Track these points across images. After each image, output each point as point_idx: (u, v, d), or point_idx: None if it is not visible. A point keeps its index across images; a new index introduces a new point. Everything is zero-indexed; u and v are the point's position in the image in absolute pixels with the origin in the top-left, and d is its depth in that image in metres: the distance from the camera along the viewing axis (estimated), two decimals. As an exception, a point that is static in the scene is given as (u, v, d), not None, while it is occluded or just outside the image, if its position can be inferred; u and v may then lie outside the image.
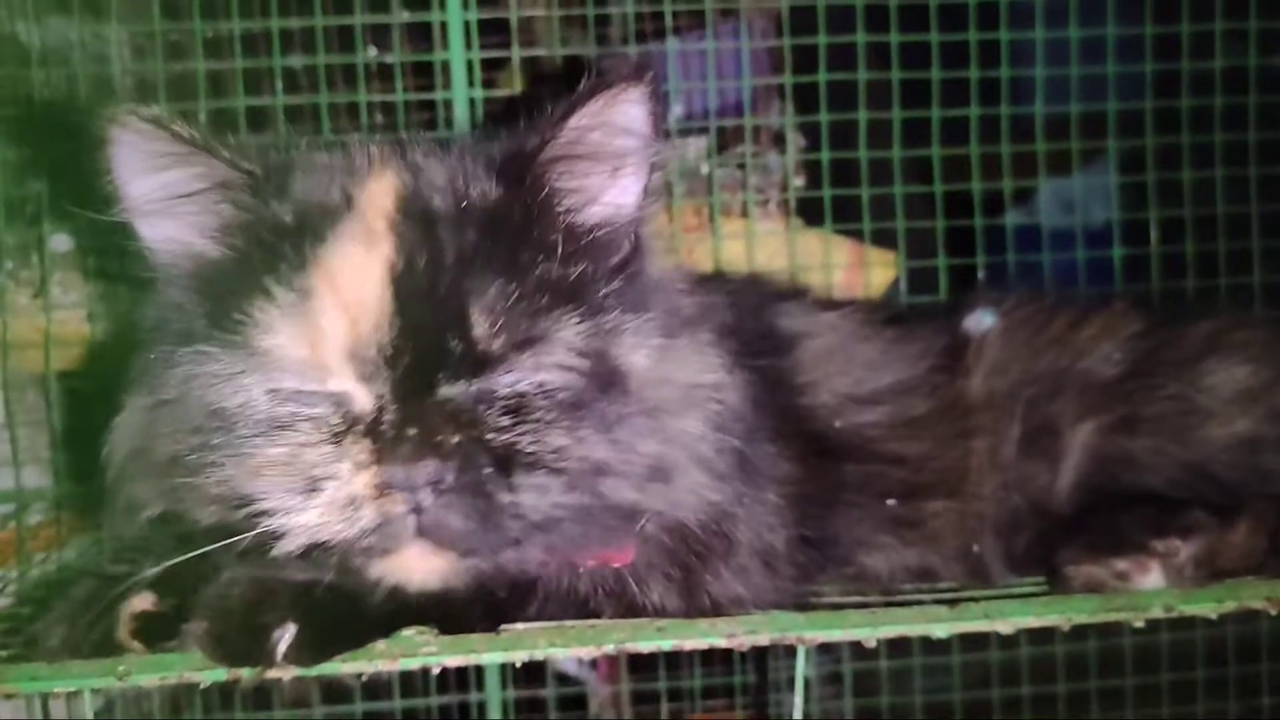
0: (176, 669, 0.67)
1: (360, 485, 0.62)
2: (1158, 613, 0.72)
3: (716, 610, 0.74)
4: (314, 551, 0.64)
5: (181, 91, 1.26)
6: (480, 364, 0.64)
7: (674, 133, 1.41)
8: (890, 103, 1.30)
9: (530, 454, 0.64)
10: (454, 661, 0.68)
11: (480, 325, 0.64)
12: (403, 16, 1.29)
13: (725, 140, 1.44)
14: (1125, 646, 1.40)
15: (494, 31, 1.33)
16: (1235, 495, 0.84)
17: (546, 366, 0.65)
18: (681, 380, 0.70)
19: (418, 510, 0.62)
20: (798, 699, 0.78)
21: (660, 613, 0.74)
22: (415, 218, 0.67)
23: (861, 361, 0.90)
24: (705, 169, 1.44)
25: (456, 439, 0.63)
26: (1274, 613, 0.73)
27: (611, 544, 0.71)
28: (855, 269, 1.38)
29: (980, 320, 0.96)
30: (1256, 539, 0.80)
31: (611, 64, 0.69)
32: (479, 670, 1.37)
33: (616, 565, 0.72)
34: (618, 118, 0.68)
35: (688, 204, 1.43)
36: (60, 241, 1.23)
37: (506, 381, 0.65)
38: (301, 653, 0.64)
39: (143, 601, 0.70)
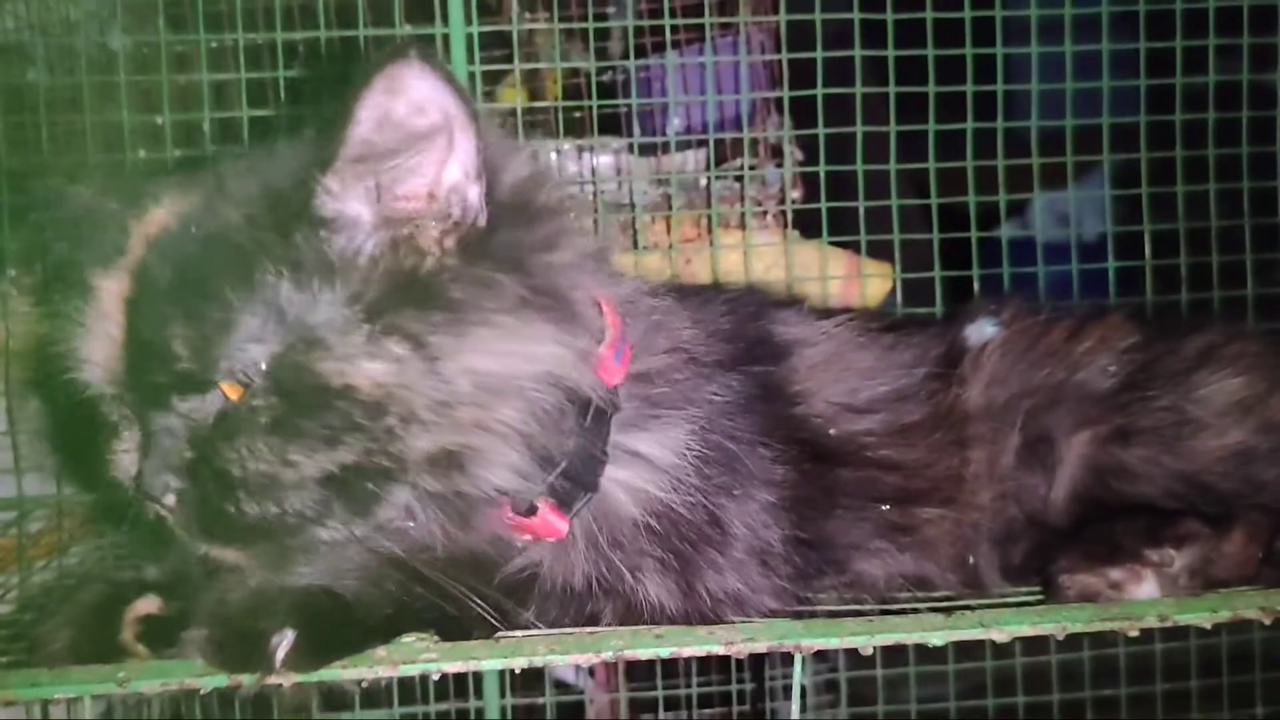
0: (177, 675, 0.67)
1: (135, 488, 0.70)
2: (1152, 622, 0.72)
3: (714, 606, 0.75)
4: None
5: (186, 102, 1.27)
6: (189, 388, 0.67)
7: (673, 145, 1.43)
8: (887, 117, 1.31)
9: (245, 469, 0.66)
10: (453, 668, 0.68)
11: (181, 351, 0.66)
12: (405, 29, 1.30)
13: (724, 153, 1.45)
14: (1119, 656, 1.40)
15: (495, 45, 1.34)
16: (1229, 505, 0.84)
17: (251, 389, 0.66)
18: (488, 369, 0.67)
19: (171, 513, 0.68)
20: (795, 706, 0.79)
21: (658, 610, 0.74)
22: (165, 245, 0.69)
23: (857, 369, 0.91)
24: (704, 181, 1.45)
25: (185, 455, 0.68)
26: (1268, 622, 0.73)
27: (461, 527, 0.71)
28: (851, 280, 1.39)
29: (982, 330, 0.97)
30: (1251, 548, 0.80)
31: (371, 55, 0.69)
32: (477, 677, 1.37)
33: (551, 540, 0.74)
34: (409, 96, 0.64)
35: (686, 215, 1.44)
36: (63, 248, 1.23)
37: (213, 402, 0.67)
38: (301, 659, 0.65)
39: (147, 605, 0.71)
